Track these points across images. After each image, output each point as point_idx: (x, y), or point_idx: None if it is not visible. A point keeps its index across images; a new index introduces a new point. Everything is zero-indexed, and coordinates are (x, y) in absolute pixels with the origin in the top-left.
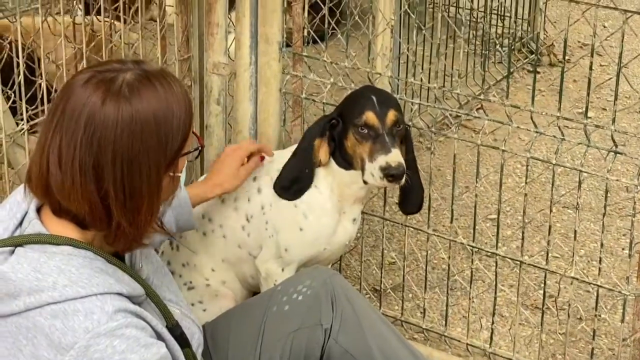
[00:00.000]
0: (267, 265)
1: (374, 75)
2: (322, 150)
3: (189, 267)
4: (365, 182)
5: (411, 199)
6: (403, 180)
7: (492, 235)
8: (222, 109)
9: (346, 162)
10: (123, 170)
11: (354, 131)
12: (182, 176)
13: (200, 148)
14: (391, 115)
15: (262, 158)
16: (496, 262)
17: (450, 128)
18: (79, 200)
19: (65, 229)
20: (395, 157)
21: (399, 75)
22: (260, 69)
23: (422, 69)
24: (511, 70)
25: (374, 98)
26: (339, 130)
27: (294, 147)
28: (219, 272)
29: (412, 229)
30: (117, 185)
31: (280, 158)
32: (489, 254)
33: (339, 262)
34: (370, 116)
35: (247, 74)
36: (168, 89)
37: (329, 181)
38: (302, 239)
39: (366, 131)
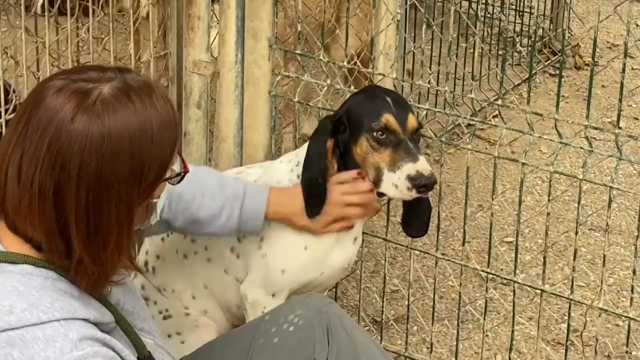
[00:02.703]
0: (254, 291)
1: (376, 77)
2: (332, 157)
3: (166, 293)
4: (380, 195)
5: (417, 218)
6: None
7: (509, 261)
8: (203, 113)
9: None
10: (88, 200)
11: (369, 137)
12: (161, 200)
13: (183, 174)
14: (411, 119)
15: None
16: (513, 291)
17: (462, 138)
18: (35, 226)
19: (23, 246)
20: (424, 164)
21: (404, 77)
22: (247, 68)
23: (431, 70)
24: (532, 73)
25: (389, 99)
26: (345, 137)
27: (289, 157)
28: (200, 300)
29: (417, 252)
30: (80, 216)
31: (278, 170)
32: (505, 281)
33: (334, 289)
34: (389, 119)
35: (232, 73)
36: (150, 107)
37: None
38: (300, 261)
39: (385, 136)
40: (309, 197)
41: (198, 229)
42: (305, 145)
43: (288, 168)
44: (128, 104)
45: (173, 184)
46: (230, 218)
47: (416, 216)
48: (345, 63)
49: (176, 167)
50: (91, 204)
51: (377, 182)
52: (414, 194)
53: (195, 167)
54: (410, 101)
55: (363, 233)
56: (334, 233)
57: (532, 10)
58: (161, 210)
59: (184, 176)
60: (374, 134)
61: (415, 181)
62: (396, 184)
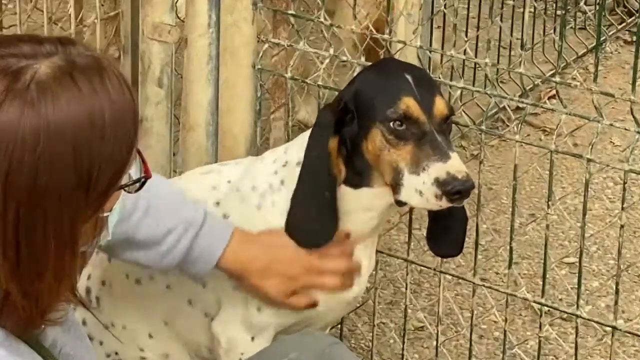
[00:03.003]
0: (229, 331)
1: (395, 45)
2: (338, 160)
3: (115, 330)
4: (399, 203)
5: (448, 233)
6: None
7: (571, 288)
8: (166, 93)
9: (358, 174)
10: (19, 216)
11: (384, 129)
12: (114, 213)
13: (144, 179)
14: (439, 103)
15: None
16: (576, 329)
17: (509, 126)
18: None
19: None
20: (458, 164)
21: (431, 46)
22: (223, 33)
23: (467, 36)
24: (601, 39)
25: (409, 77)
26: (352, 129)
27: (274, 154)
28: (159, 340)
29: (449, 277)
30: (8, 237)
31: (256, 170)
32: (565, 316)
33: (339, 326)
34: (410, 104)
35: (204, 40)
36: (101, 92)
37: None
38: None
39: (404, 128)
40: (307, 220)
41: (124, 252)
42: (298, 139)
43: (271, 170)
44: (72, 87)
45: (130, 193)
46: (173, 250)
47: (447, 229)
48: (353, 27)
49: (134, 170)
50: (23, 222)
51: (395, 187)
52: (444, 203)
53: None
54: (439, 78)
55: (377, 252)
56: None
57: None
58: None
59: (144, 182)
60: (390, 124)
61: (446, 186)
62: (421, 190)
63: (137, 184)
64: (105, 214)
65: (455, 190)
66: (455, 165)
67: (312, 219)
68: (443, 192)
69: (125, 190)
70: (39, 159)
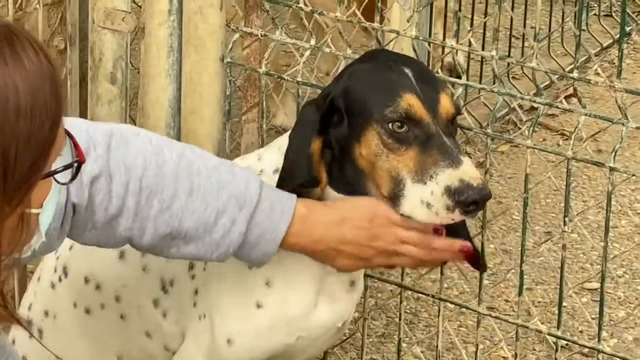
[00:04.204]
0: None
1: (388, 35)
2: (320, 165)
3: None
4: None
5: None
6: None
7: (592, 319)
8: (120, 90)
9: (348, 183)
10: None
11: (382, 131)
12: (48, 211)
13: (77, 163)
14: (445, 101)
15: None
16: None
17: (521, 129)
18: None
19: None
20: (471, 170)
21: (430, 36)
22: (187, 22)
23: (472, 25)
24: (627, 29)
25: (409, 72)
26: (341, 131)
27: (247, 160)
28: None
29: (451, 305)
30: None
31: None
32: (586, 350)
33: None
34: (412, 102)
35: (164, 30)
36: (12, 62)
37: None
38: (258, 321)
39: (406, 129)
40: None
41: (171, 249)
42: (276, 143)
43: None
44: None
45: (63, 184)
46: (228, 235)
47: None
48: (338, 14)
49: (65, 155)
50: None
51: (394, 199)
52: (456, 216)
53: (176, 143)
54: (438, 73)
55: (366, 276)
56: (311, 278)
57: None
58: (115, 216)
59: (78, 168)
60: (389, 125)
61: (459, 196)
62: (428, 201)
63: (70, 171)
64: (33, 211)
65: (470, 200)
66: (468, 171)
67: None
68: (456, 203)
69: (55, 180)
70: None
